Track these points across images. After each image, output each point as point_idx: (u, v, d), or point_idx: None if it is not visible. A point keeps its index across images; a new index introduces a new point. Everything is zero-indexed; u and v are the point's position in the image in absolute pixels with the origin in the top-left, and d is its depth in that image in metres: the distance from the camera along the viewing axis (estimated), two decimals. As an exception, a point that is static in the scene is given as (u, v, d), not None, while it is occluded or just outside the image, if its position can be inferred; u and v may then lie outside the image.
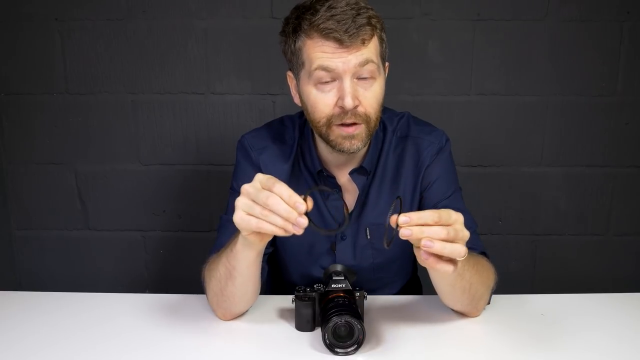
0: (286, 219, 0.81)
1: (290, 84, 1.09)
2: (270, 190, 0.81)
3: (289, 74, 1.08)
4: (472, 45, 1.74)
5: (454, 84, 1.77)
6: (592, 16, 1.71)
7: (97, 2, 1.73)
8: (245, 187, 0.84)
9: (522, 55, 1.74)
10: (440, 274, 0.95)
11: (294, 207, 0.80)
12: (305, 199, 0.81)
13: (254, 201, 0.83)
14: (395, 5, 1.70)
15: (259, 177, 0.84)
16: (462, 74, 1.76)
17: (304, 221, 0.81)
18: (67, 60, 1.77)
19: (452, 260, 0.81)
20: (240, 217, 0.84)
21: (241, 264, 0.94)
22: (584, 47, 1.73)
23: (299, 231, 0.81)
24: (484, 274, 1.01)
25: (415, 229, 0.78)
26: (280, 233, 0.82)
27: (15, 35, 1.76)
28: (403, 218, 0.79)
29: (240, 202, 0.84)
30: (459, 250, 0.80)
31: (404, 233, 0.78)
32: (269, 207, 0.81)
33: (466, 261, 0.95)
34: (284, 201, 0.80)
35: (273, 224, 0.82)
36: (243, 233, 0.87)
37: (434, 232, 0.79)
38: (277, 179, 0.83)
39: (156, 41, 1.75)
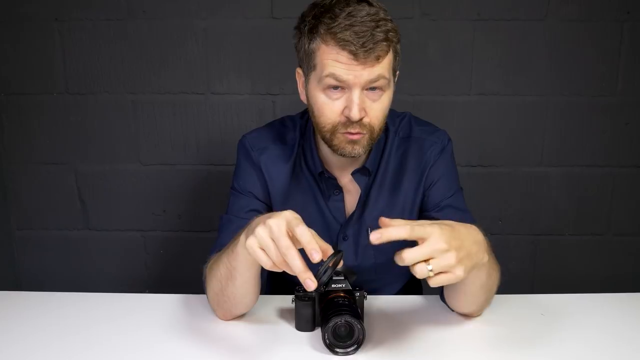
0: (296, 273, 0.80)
1: (298, 80, 1.08)
2: (291, 232, 0.79)
3: (299, 70, 1.07)
4: (472, 45, 1.74)
5: (454, 84, 1.77)
6: (592, 16, 1.71)
7: (97, 2, 1.73)
8: (271, 223, 0.80)
9: (522, 55, 1.74)
10: (474, 277, 0.93)
11: (308, 253, 0.78)
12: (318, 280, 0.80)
13: (273, 240, 0.80)
14: (395, 5, 1.70)
15: (288, 216, 0.81)
16: (462, 74, 1.76)
17: (313, 285, 0.79)
18: (67, 60, 1.77)
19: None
20: (251, 246, 0.82)
21: (242, 265, 0.94)
22: (584, 47, 1.73)
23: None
24: (498, 272, 1.02)
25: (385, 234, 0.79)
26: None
27: (15, 35, 1.76)
28: (375, 236, 0.79)
29: (259, 234, 0.81)
30: (420, 271, 0.78)
31: (373, 237, 0.79)
32: (285, 257, 0.79)
33: (493, 260, 0.95)
34: (294, 271, 0.78)
35: (282, 269, 0.81)
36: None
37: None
38: (300, 220, 0.80)
39: (156, 41, 1.75)
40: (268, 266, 0.81)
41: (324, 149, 1.10)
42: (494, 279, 0.98)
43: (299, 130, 1.16)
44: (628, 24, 1.71)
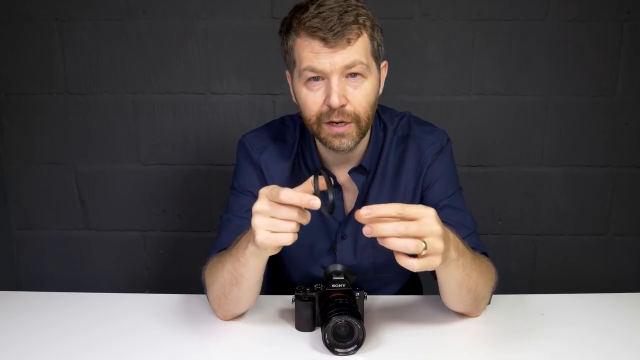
0: (307, 220, 0.83)
1: (289, 82, 1.09)
2: (278, 200, 0.81)
3: (287, 72, 1.08)
4: (472, 45, 1.74)
5: (454, 84, 1.77)
6: (592, 16, 1.71)
7: (97, 2, 1.73)
8: (258, 207, 0.83)
9: (522, 55, 1.74)
10: (447, 274, 0.95)
11: (308, 206, 0.81)
12: (315, 179, 0.83)
13: (273, 217, 0.82)
14: (395, 5, 1.70)
15: (264, 192, 0.84)
16: (462, 74, 1.76)
17: (317, 203, 0.81)
18: (67, 60, 1.77)
19: (415, 256, 0.81)
20: (265, 236, 0.83)
21: (250, 272, 0.95)
22: (584, 47, 1.73)
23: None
24: (487, 274, 1.02)
25: (375, 228, 0.79)
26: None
27: (15, 35, 1.76)
28: (365, 210, 0.79)
29: (259, 222, 0.83)
30: (409, 245, 0.79)
31: (365, 231, 0.79)
32: (294, 219, 0.82)
33: (473, 261, 0.96)
34: (296, 204, 0.81)
35: (294, 233, 0.83)
36: (267, 250, 0.87)
37: (393, 229, 0.79)
38: (278, 187, 0.83)
39: (156, 41, 1.75)
40: (291, 240, 0.83)
41: (322, 147, 1.10)
42: (477, 280, 0.97)
43: (299, 130, 1.17)
44: (628, 24, 1.71)
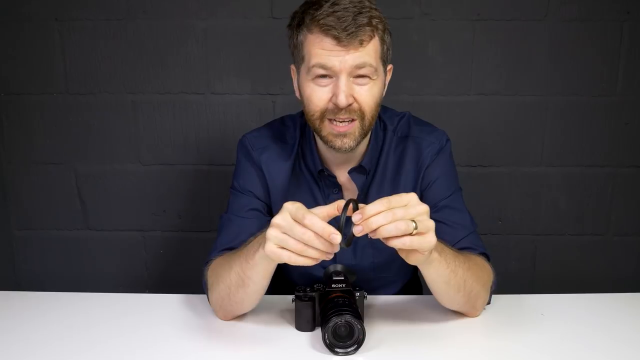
0: (322, 252, 0.82)
1: (293, 77, 1.09)
2: (302, 223, 0.81)
3: (292, 67, 1.08)
4: (472, 45, 1.74)
5: (454, 84, 1.77)
6: (592, 16, 1.71)
7: (97, 2, 1.73)
8: (277, 221, 0.83)
9: (522, 55, 1.74)
10: (432, 272, 0.95)
11: (328, 239, 0.80)
12: (343, 211, 0.82)
13: (286, 234, 0.82)
14: (395, 5, 1.70)
15: (289, 207, 0.83)
16: (462, 74, 1.76)
17: (337, 249, 0.81)
18: (67, 60, 1.77)
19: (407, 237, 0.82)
20: (272, 250, 0.84)
21: (258, 275, 0.95)
22: (584, 47, 1.73)
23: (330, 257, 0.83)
24: (479, 272, 1.02)
25: (365, 224, 0.80)
26: (312, 263, 0.83)
27: (15, 35, 1.76)
28: (357, 216, 0.81)
29: (272, 235, 0.83)
30: (399, 226, 0.80)
31: (356, 230, 0.81)
32: (305, 242, 0.81)
33: (456, 258, 0.96)
34: (318, 234, 0.80)
35: (308, 257, 0.83)
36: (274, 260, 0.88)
37: (383, 218, 0.80)
38: (306, 209, 0.82)
39: (156, 41, 1.75)
40: (293, 261, 0.83)
41: (323, 147, 1.10)
42: (464, 276, 0.97)
43: (299, 129, 1.17)
44: (628, 24, 1.71)
